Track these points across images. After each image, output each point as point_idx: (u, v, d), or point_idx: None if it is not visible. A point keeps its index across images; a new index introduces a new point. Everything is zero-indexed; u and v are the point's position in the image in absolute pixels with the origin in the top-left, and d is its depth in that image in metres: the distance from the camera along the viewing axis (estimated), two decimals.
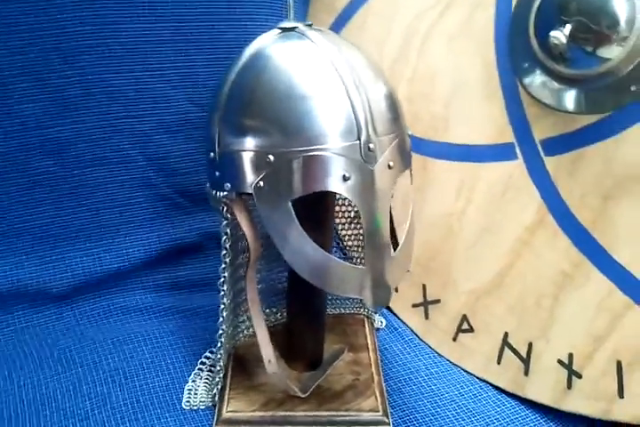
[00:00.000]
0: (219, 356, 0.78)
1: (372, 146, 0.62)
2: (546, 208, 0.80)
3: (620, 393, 0.76)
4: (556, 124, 0.78)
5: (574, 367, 0.79)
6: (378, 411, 0.79)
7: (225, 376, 0.81)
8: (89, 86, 0.85)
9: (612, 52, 0.70)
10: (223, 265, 0.72)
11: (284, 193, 0.63)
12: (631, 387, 0.75)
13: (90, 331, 0.91)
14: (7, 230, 0.88)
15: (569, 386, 0.80)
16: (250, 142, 0.63)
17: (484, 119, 0.84)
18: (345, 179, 0.62)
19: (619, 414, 0.76)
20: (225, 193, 0.66)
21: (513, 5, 0.79)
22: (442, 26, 0.86)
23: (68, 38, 0.80)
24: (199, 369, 0.86)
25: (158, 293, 0.97)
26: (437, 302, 0.92)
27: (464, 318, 0.89)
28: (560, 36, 0.71)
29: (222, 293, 0.73)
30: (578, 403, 0.80)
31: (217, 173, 0.66)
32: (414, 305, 0.94)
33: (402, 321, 0.97)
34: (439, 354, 0.92)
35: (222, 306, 0.74)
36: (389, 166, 0.64)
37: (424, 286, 0.93)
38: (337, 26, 0.96)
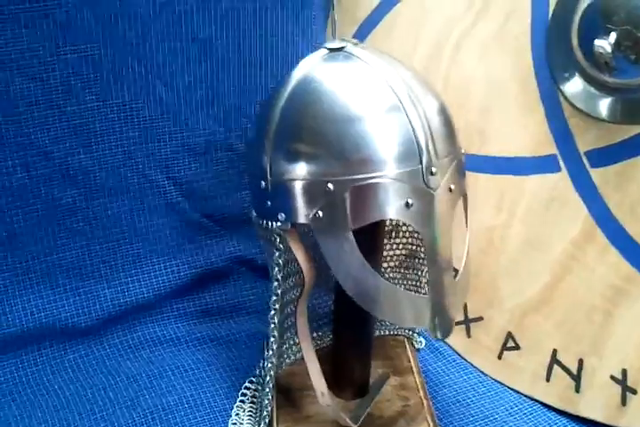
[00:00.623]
0: (267, 390, 0.74)
1: (434, 170, 0.59)
2: (593, 221, 0.78)
3: None
4: (600, 135, 0.76)
5: (628, 383, 0.78)
6: None
7: (271, 409, 0.78)
8: (108, 111, 0.81)
9: None
10: (274, 297, 0.68)
11: (344, 223, 0.59)
12: None
13: (122, 366, 0.87)
14: (32, 266, 0.84)
15: (623, 402, 0.79)
16: (306, 171, 0.59)
17: (522, 130, 0.82)
18: (408, 206, 0.59)
19: None
20: (279, 224, 0.63)
21: (549, 14, 0.77)
22: (474, 34, 0.83)
23: (90, 62, 0.76)
24: (241, 401, 0.83)
25: (189, 321, 0.94)
26: (480, 319, 0.90)
27: (509, 335, 0.87)
28: (605, 44, 0.69)
29: (272, 325, 0.70)
30: (634, 420, 0.78)
31: (268, 203, 0.63)
32: (455, 323, 0.92)
33: (443, 340, 0.94)
34: (484, 373, 0.90)
35: (272, 339, 0.71)
36: (450, 190, 0.62)
37: (465, 304, 0.91)
38: (360, 36, 0.93)
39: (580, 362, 0.81)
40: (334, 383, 0.80)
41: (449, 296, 0.63)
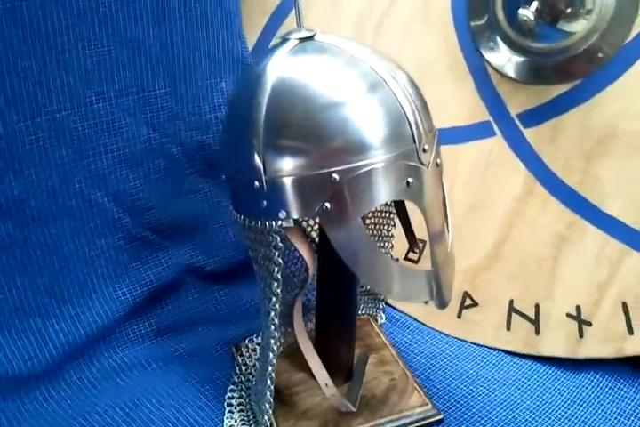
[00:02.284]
0: (267, 394, 0.71)
1: (426, 147, 0.61)
2: (533, 177, 0.84)
3: (630, 331, 0.83)
4: (529, 98, 0.82)
5: (583, 317, 0.85)
6: (427, 404, 0.80)
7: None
8: (37, 130, 0.73)
9: (578, 26, 0.76)
10: (274, 298, 0.65)
11: (353, 211, 0.59)
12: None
13: (90, 404, 0.80)
14: None
15: (581, 335, 0.86)
16: (307, 165, 0.58)
17: (454, 101, 0.86)
18: (409, 185, 0.60)
19: (631, 349, 0.84)
20: (280, 222, 0.60)
21: None
22: (395, 12, 0.85)
23: (13, 76, 0.67)
24: (229, 412, 0.80)
25: (149, 342, 0.88)
26: None
27: (466, 294, 0.92)
28: (527, 13, 0.75)
29: (273, 327, 0.67)
30: (591, 348, 0.86)
31: (264, 203, 0.60)
32: None
33: (400, 311, 0.97)
34: (446, 334, 0.94)
35: (272, 340, 0.68)
36: (437, 164, 0.64)
37: None
38: (273, 24, 0.91)
39: (537, 307, 0.88)
40: None
41: (448, 266, 0.66)
